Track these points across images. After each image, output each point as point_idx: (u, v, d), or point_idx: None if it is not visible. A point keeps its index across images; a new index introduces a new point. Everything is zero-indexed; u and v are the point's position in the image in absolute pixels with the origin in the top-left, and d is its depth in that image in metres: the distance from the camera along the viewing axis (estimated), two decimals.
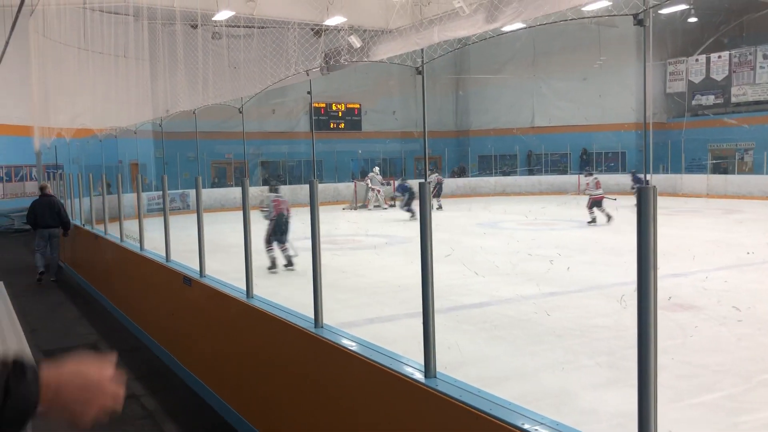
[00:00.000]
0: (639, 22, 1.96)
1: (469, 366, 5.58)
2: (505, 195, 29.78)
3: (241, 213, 4.72)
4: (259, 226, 10.26)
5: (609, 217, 16.47)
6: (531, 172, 32.09)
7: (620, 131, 28.05)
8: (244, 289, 4.73)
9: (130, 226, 8.81)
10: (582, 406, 4.66)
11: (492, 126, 33.06)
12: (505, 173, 32.62)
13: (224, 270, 6.35)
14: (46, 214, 11.50)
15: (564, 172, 31.28)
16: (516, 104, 32.58)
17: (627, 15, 1.97)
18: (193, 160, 23.82)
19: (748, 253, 10.96)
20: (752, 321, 6.89)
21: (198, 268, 5.78)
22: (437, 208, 21.70)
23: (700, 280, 8.99)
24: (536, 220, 17.84)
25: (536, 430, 2.35)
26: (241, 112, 4.72)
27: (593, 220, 16.71)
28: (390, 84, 32.44)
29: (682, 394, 4.84)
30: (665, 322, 6.83)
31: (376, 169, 25.59)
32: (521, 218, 18.63)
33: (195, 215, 6.07)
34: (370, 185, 24.69)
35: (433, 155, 33.46)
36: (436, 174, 24.15)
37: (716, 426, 4.36)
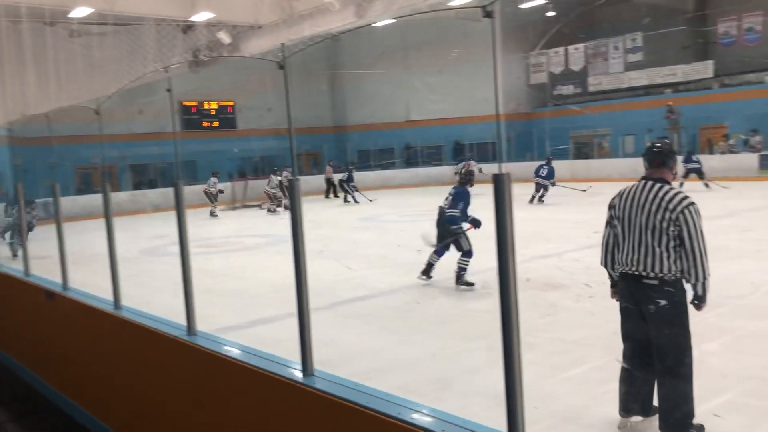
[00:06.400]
0: (488, 14, 2.01)
1: (353, 361, 5.58)
2: (385, 189, 30.19)
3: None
4: (124, 235, 9.76)
5: None
6: (409, 165, 32.77)
7: (491, 122, 29.10)
8: (112, 299, 4.48)
9: None
10: (460, 391, 4.80)
11: (369, 121, 33.36)
12: (384, 167, 33.04)
13: (95, 282, 5.99)
14: None
15: (440, 163, 32.17)
16: (391, 99, 33.04)
17: (476, 7, 2.02)
18: (56, 167, 22.29)
19: (595, 232, 11.74)
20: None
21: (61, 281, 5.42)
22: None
23: (562, 261, 9.53)
24: (412, 212, 18.25)
25: (413, 418, 2.38)
26: (98, 113, 4.45)
27: None
28: (264, 80, 31.84)
29: (556, 370, 5.11)
30: (536, 300, 7.19)
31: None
32: (401, 210, 19.15)
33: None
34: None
35: (313, 151, 33.29)
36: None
37: (589, 395, 4.63)
